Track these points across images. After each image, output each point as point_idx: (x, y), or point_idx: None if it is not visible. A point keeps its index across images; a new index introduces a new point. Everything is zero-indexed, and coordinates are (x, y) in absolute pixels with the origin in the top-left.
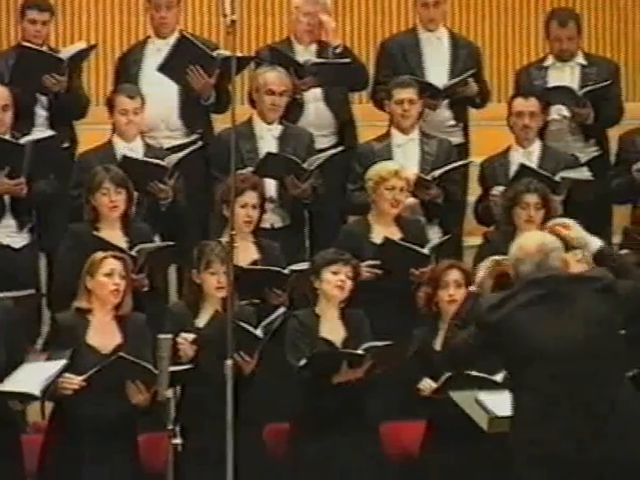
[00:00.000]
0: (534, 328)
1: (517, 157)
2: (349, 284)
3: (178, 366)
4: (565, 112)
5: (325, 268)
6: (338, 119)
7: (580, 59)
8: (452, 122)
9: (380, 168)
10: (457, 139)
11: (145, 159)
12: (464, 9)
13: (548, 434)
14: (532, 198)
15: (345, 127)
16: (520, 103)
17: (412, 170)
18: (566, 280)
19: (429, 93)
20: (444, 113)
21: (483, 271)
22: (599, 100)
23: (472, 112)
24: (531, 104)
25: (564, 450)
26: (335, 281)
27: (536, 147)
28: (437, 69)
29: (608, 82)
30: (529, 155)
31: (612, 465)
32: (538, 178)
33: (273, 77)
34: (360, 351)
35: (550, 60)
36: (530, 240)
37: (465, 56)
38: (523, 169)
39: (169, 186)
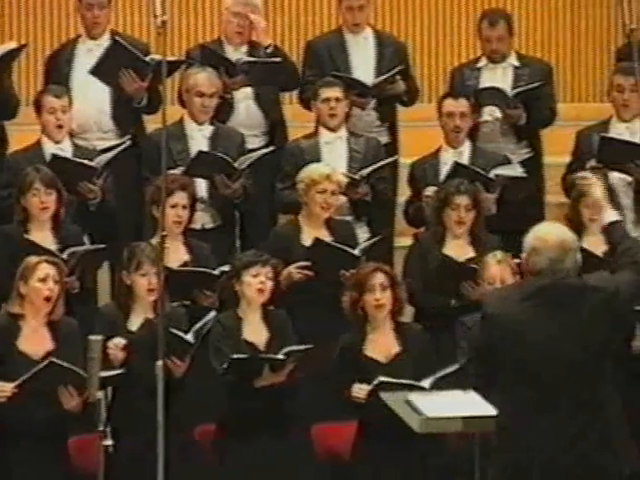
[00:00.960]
0: (532, 332)
1: (448, 157)
2: (269, 285)
3: (109, 370)
4: (497, 113)
5: (244, 271)
6: (268, 119)
7: (513, 60)
8: (378, 122)
9: (312, 171)
10: (383, 139)
11: (74, 159)
12: (394, 10)
13: (526, 442)
14: (462, 199)
15: (276, 127)
16: (450, 104)
17: (342, 171)
18: (575, 289)
19: (358, 91)
20: (370, 113)
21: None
22: (531, 101)
23: (402, 112)
24: (461, 105)
25: (540, 459)
26: (255, 284)
27: (466, 147)
28: (364, 68)
29: (539, 83)
30: (459, 155)
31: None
32: (472, 176)
33: (203, 78)
34: (280, 356)
35: (483, 61)
36: (552, 233)
37: (391, 54)
38: (457, 167)
39: (98, 186)
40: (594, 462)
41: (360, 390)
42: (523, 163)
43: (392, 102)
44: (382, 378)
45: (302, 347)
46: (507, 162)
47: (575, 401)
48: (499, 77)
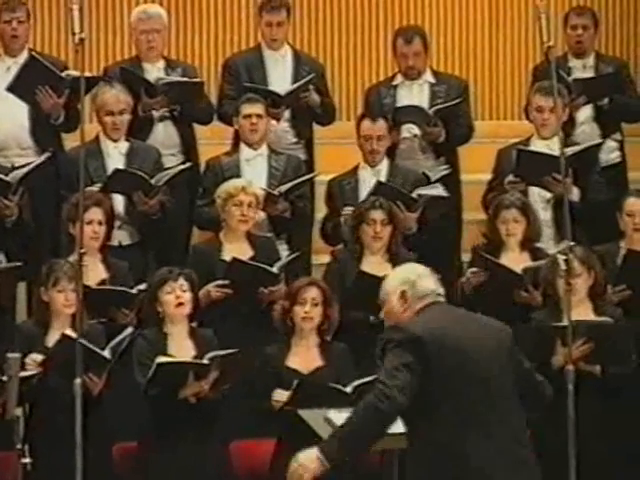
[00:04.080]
0: (471, 349)
1: (366, 176)
2: (187, 296)
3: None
4: (416, 131)
5: (159, 290)
6: (185, 138)
7: (429, 77)
8: (294, 139)
9: (228, 185)
10: (300, 156)
11: None
12: (312, 28)
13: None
14: (378, 214)
15: (189, 145)
16: (368, 127)
17: (260, 185)
18: (476, 318)
19: (270, 100)
20: (285, 129)
21: None
22: (449, 118)
23: (318, 129)
24: (379, 127)
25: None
26: (172, 300)
27: (384, 166)
28: (280, 85)
29: (458, 100)
30: (377, 173)
31: None
32: (394, 195)
33: (110, 97)
34: (205, 361)
35: (399, 79)
36: (413, 266)
37: (307, 72)
38: (380, 186)
39: (13, 203)
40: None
41: (281, 395)
42: (441, 180)
43: (307, 117)
44: (303, 378)
45: (226, 352)
46: (425, 180)
47: (508, 422)
48: (415, 94)
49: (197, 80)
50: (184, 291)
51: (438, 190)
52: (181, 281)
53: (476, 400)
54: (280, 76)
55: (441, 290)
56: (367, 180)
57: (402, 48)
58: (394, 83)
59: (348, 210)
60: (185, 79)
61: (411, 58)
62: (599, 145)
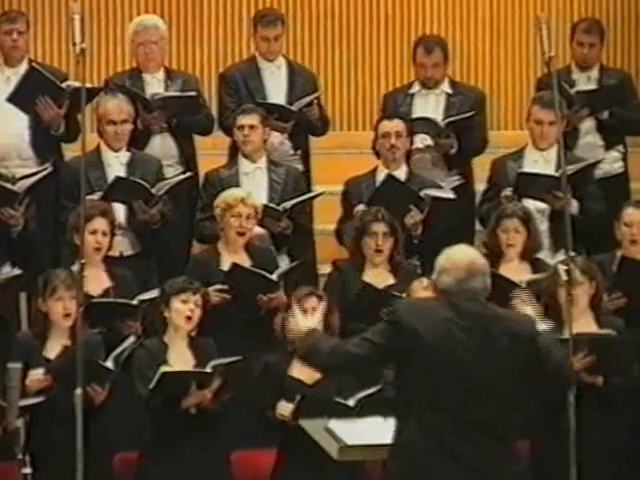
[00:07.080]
0: (452, 350)
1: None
2: (198, 313)
3: (28, 398)
4: (429, 141)
5: (174, 297)
6: (183, 150)
7: (446, 87)
8: (292, 151)
9: (227, 195)
10: (298, 167)
11: None
12: (307, 40)
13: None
14: (380, 227)
15: (188, 156)
16: (386, 125)
17: (261, 199)
18: (491, 315)
19: (277, 115)
20: (283, 141)
21: None
22: (462, 130)
23: (315, 140)
24: (397, 125)
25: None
26: (184, 310)
27: (402, 172)
28: (276, 95)
29: (470, 113)
30: None
31: None
32: (403, 192)
33: (112, 106)
34: (208, 369)
35: (416, 87)
36: (461, 254)
37: (302, 83)
38: (389, 180)
39: (20, 212)
40: None
41: (285, 408)
42: (455, 190)
43: (303, 129)
44: (306, 392)
45: (228, 360)
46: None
47: (485, 426)
48: (431, 104)
49: (191, 94)
50: (197, 306)
51: (446, 192)
52: (198, 297)
53: (447, 406)
54: (276, 86)
55: (467, 287)
56: (385, 174)
57: (422, 58)
58: (411, 91)
59: (360, 208)
60: (179, 93)
61: (429, 69)
62: (598, 163)
